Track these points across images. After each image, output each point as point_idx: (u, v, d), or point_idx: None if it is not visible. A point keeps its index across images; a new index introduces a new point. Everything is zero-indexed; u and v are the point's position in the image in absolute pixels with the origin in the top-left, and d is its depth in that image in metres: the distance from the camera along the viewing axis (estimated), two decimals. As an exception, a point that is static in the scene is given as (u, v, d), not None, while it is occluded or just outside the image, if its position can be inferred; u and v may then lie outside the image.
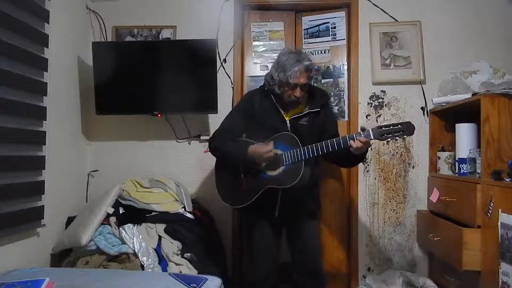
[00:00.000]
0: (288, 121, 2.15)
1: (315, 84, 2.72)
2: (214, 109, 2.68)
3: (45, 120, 2.26)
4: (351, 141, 1.95)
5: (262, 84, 2.25)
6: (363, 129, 1.97)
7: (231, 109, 2.72)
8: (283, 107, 2.16)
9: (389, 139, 1.97)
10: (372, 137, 1.95)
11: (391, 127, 1.96)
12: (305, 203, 2.21)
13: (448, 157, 2.54)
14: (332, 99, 2.87)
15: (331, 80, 2.93)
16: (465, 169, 2.29)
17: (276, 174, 2.07)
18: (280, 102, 2.15)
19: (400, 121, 2.74)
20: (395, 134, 1.94)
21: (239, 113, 2.23)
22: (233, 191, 2.18)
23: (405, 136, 1.99)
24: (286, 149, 2.05)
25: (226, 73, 2.87)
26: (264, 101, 2.19)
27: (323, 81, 2.91)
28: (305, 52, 2.14)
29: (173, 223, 2.35)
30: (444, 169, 2.55)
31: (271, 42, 2.97)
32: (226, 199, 2.21)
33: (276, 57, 2.84)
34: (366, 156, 2.65)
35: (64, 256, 2.33)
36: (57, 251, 2.34)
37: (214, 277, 1.91)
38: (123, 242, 2.22)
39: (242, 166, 2.13)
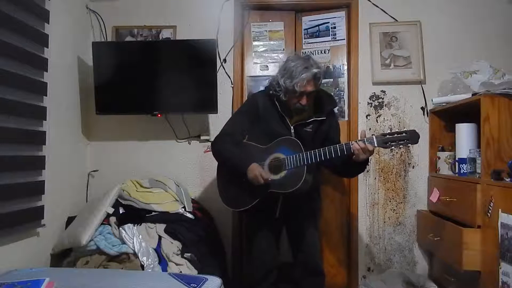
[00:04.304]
0: (292, 127, 2.13)
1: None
2: (214, 109, 2.68)
3: (45, 120, 2.26)
4: (355, 144, 1.92)
5: (267, 86, 2.23)
6: (363, 136, 1.94)
7: (233, 110, 2.74)
8: (288, 113, 2.14)
9: (393, 147, 1.93)
10: (375, 145, 1.91)
11: (395, 135, 1.92)
12: (305, 203, 2.20)
13: (448, 157, 2.54)
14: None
15: (331, 80, 2.93)
16: (465, 169, 2.28)
17: (278, 178, 2.05)
18: (285, 107, 2.13)
19: (400, 122, 2.78)
20: (399, 142, 1.91)
21: (243, 116, 2.21)
22: (234, 194, 2.17)
23: (409, 145, 1.96)
24: (289, 153, 2.03)
25: (226, 73, 2.87)
26: (268, 105, 2.16)
27: (323, 81, 2.89)
28: (314, 59, 2.09)
29: (173, 223, 2.35)
30: (444, 169, 2.55)
31: (271, 42, 2.97)
32: (228, 202, 2.21)
33: (276, 57, 2.92)
34: (368, 165, 2.65)
35: (64, 256, 2.32)
36: (57, 251, 2.33)
37: (214, 277, 1.91)
38: (123, 242, 2.22)
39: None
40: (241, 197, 2.13)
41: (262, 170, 2.02)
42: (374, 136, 1.94)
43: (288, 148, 2.05)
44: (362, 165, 2.06)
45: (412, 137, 1.91)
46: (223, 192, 2.23)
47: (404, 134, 1.92)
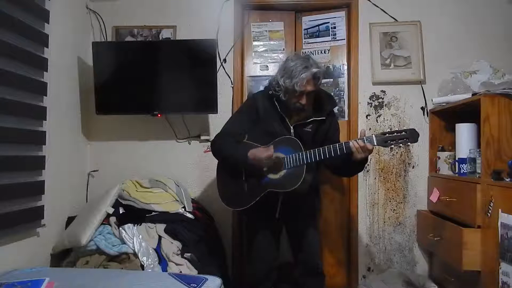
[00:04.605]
0: (292, 127, 2.13)
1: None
2: (214, 109, 2.68)
3: (45, 120, 2.26)
4: (354, 143, 1.93)
5: (266, 86, 2.22)
6: (363, 135, 1.95)
7: (233, 110, 2.74)
8: (287, 113, 2.13)
9: (392, 146, 1.94)
10: (375, 144, 1.92)
11: (395, 133, 1.92)
12: (305, 203, 2.20)
13: (448, 157, 2.54)
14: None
15: (331, 80, 2.93)
16: (465, 169, 2.29)
17: (277, 177, 2.05)
18: (285, 107, 2.12)
19: (400, 122, 2.78)
20: (399, 141, 1.91)
21: (243, 116, 2.21)
22: (234, 194, 2.17)
23: (409, 144, 1.96)
24: (289, 152, 2.03)
25: (226, 73, 2.87)
26: (268, 105, 2.16)
27: (323, 81, 2.89)
28: (314, 59, 2.09)
29: (173, 223, 2.35)
30: (444, 169, 2.55)
31: (271, 42, 2.97)
32: (227, 201, 2.20)
33: (276, 57, 2.93)
34: (367, 164, 2.66)
35: (64, 256, 2.33)
36: (57, 251, 2.34)
37: (214, 277, 1.91)
38: (123, 242, 2.22)
39: (244, 170, 2.11)
40: (240, 196, 2.13)
41: (262, 149, 2.00)
42: (373, 135, 1.94)
43: (287, 147, 2.05)
44: (361, 164, 2.06)
45: (412, 135, 1.92)
46: (223, 192, 2.23)
47: (403, 133, 1.92)
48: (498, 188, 1.89)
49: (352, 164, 2.02)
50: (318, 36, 2.96)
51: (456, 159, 2.41)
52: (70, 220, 2.49)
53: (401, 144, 1.93)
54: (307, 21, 2.98)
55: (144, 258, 2.16)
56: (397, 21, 2.81)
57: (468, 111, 2.33)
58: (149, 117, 2.76)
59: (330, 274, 2.74)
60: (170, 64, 2.68)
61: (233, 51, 2.88)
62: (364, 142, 1.92)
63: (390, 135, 1.93)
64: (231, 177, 2.16)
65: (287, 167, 2.03)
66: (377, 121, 2.82)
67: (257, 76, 2.96)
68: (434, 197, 2.53)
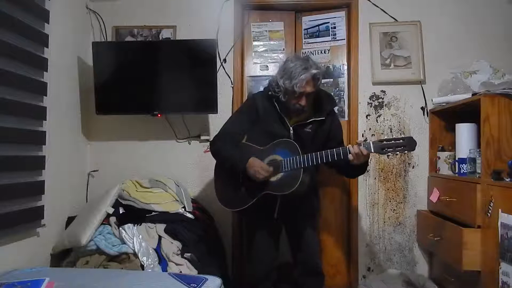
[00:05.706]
0: (291, 128, 2.13)
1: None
2: (214, 109, 2.68)
3: (45, 120, 2.26)
4: (350, 148, 1.93)
5: (266, 87, 2.22)
6: (359, 144, 1.95)
7: (233, 110, 2.74)
8: (287, 114, 2.13)
9: (389, 154, 1.95)
10: (372, 150, 1.92)
11: (392, 141, 1.93)
12: (304, 204, 2.20)
13: (448, 157, 2.54)
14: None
15: (331, 80, 2.93)
16: (465, 169, 2.28)
17: (274, 180, 2.06)
18: (285, 108, 2.12)
19: (400, 122, 2.78)
20: (396, 149, 1.92)
21: (242, 116, 2.21)
22: (231, 194, 2.17)
23: (406, 152, 1.97)
24: (286, 155, 2.03)
25: (226, 73, 2.87)
26: (267, 106, 2.16)
27: (323, 81, 2.90)
28: (313, 60, 2.09)
29: (173, 223, 2.35)
30: (444, 169, 2.55)
31: (271, 42, 2.97)
32: (224, 202, 2.21)
33: (276, 57, 2.93)
34: (368, 165, 2.65)
35: (64, 256, 2.33)
36: (57, 251, 2.34)
37: (214, 277, 1.91)
38: (123, 242, 2.22)
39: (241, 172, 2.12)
40: (238, 197, 2.13)
41: (262, 163, 2.02)
42: (371, 142, 1.94)
43: (285, 150, 2.05)
44: (362, 167, 2.06)
45: (409, 144, 1.92)
46: (220, 192, 2.23)
47: (401, 140, 1.93)
48: (498, 188, 1.89)
49: (351, 167, 2.02)
50: (318, 36, 2.96)
51: (456, 159, 2.41)
52: (70, 220, 2.49)
53: (398, 152, 1.94)
54: (307, 21, 2.98)
55: (144, 258, 2.16)
56: (397, 21, 2.81)
57: (468, 111, 2.33)
58: (149, 117, 2.76)
59: (330, 274, 2.74)
60: (170, 64, 2.68)
61: (233, 51, 2.88)
62: (359, 149, 1.92)
63: (388, 142, 1.94)
64: (229, 178, 2.16)
65: (284, 170, 2.03)
66: (377, 121, 2.82)
67: (257, 76, 2.96)
68: (434, 197, 2.53)
